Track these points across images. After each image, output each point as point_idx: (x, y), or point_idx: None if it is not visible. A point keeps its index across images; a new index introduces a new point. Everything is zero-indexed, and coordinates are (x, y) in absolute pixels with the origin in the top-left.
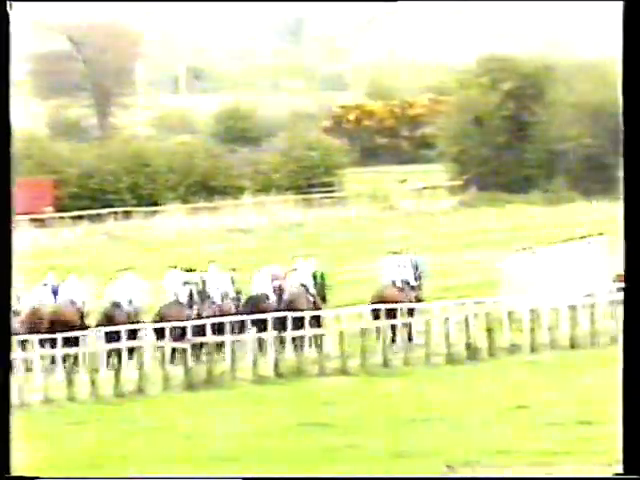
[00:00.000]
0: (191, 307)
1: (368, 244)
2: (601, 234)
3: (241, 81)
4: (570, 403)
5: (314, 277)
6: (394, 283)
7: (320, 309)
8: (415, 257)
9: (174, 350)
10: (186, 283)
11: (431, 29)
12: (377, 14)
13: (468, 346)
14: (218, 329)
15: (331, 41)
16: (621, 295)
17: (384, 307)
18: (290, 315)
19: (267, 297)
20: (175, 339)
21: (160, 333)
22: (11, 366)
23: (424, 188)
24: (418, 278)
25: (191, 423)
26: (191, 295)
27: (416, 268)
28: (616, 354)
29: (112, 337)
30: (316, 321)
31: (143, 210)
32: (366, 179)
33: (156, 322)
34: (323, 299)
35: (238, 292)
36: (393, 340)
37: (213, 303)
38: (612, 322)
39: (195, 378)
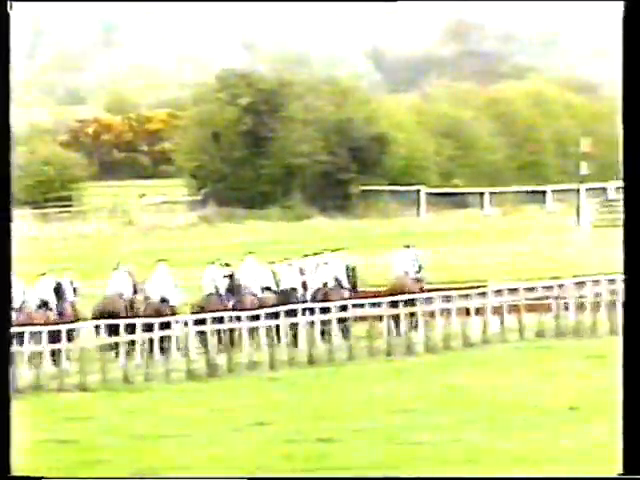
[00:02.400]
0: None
1: (105, 259)
2: (339, 249)
3: None
4: (310, 419)
5: (347, 269)
6: (407, 274)
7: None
8: (417, 252)
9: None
10: (226, 276)
11: (172, 42)
12: (117, 26)
13: (208, 362)
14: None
15: (68, 53)
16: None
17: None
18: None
19: (296, 290)
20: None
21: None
22: (10, 365)
23: (163, 203)
24: (419, 270)
25: None
26: (230, 288)
27: (417, 261)
28: (355, 371)
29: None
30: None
31: None
32: (106, 193)
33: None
34: (355, 291)
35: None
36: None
37: (254, 295)
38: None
39: None
